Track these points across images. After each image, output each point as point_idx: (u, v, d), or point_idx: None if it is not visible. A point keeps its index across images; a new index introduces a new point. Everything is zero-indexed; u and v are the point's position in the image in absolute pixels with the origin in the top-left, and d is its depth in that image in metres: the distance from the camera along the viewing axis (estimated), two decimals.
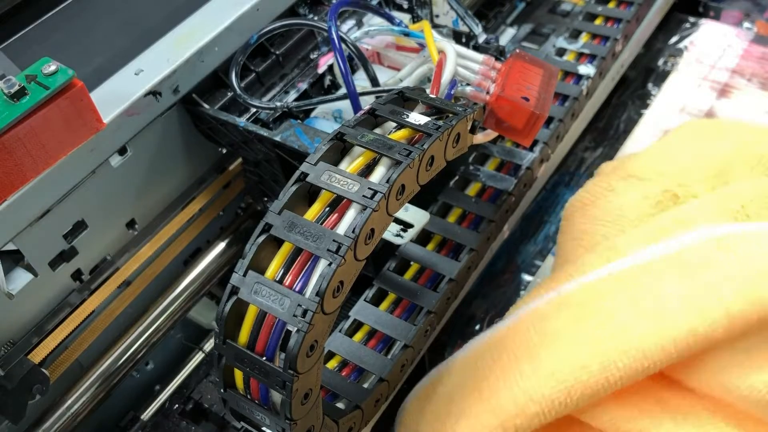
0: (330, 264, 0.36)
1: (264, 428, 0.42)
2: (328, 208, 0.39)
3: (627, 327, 0.48)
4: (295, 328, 0.36)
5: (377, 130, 0.43)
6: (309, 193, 0.40)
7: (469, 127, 0.45)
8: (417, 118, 0.42)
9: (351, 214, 0.38)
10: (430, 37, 0.53)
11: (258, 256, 0.38)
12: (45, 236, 0.52)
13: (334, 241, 0.37)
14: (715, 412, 0.48)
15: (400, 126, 0.43)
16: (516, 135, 0.52)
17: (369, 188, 0.38)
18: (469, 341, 0.55)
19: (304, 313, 0.36)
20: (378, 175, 0.39)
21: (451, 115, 0.44)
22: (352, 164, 0.40)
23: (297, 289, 0.37)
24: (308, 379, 0.38)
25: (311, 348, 0.37)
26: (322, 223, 0.38)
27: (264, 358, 0.38)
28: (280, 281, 0.38)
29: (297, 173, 0.39)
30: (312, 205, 0.39)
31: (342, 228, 0.38)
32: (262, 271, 0.38)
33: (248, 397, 0.40)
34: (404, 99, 0.46)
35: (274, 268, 0.38)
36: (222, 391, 0.41)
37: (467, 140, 0.46)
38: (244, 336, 0.38)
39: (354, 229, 0.37)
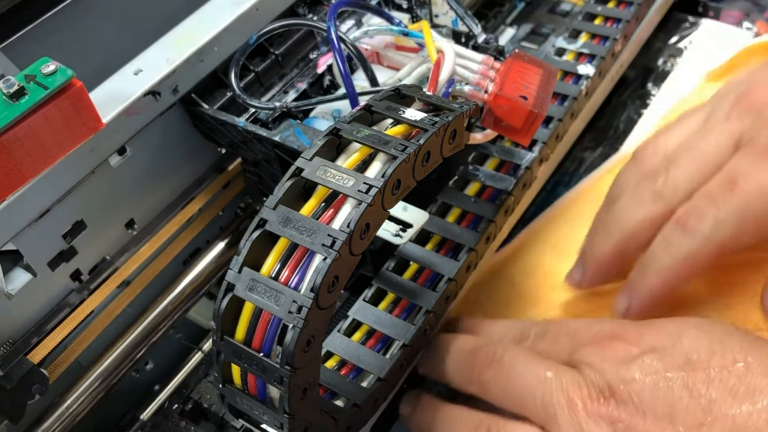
0: (325, 259, 0.36)
1: (263, 424, 0.42)
2: (323, 204, 0.39)
3: None
4: (291, 325, 0.36)
5: (374, 127, 0.43)
6: (305, 189, 0.40)
7: (465, 124, 0.45)
8: (413, 114, 0.43)
9: (346, 209, 0.38)
10: (429, 37, 0.53)
11: (253, 252, 0.38)
12: (44, 236, 0.52)
13: (329, 236, 0.37)
14: None
15: (397, 122, 0.43)
16: (515, 134, 0.52)
17: (364, 183, 0.38)
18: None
19: (299, 309, 0.36)
20: (374, 170, 0.39)
21: (447, 111, 0.44)
22: (348, 160, 0.40)
23: (293, 285, 0.37)
24: (306, 374, 0.38)
25: (308, 343, 0.37)
26: (317, 219, 0.38)
27: (261, 354, 0.38)
28: (276, 277, 0.38)
29: (292, 168, 0.39)
30: (307, 201, 0.39)
31: (337, 223, 0.38)
32: (258, 268, 0.38)
33: (246, 392, 0.40)
34: (401, 96, 0.46)
35: (270, 264, 0.38)
36: (221, 386, 0.41)
37: (464, 137, 0.46)
38: (240, 332, 0.38)
39: (349, 223, 0.37)
